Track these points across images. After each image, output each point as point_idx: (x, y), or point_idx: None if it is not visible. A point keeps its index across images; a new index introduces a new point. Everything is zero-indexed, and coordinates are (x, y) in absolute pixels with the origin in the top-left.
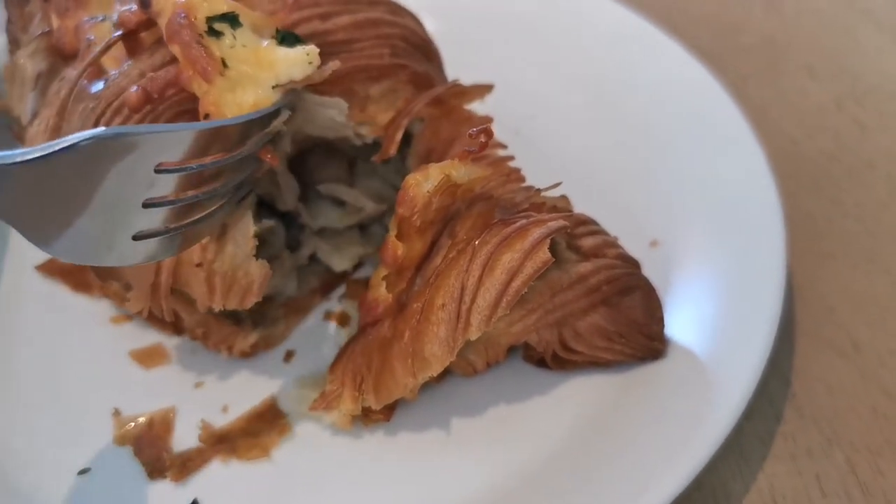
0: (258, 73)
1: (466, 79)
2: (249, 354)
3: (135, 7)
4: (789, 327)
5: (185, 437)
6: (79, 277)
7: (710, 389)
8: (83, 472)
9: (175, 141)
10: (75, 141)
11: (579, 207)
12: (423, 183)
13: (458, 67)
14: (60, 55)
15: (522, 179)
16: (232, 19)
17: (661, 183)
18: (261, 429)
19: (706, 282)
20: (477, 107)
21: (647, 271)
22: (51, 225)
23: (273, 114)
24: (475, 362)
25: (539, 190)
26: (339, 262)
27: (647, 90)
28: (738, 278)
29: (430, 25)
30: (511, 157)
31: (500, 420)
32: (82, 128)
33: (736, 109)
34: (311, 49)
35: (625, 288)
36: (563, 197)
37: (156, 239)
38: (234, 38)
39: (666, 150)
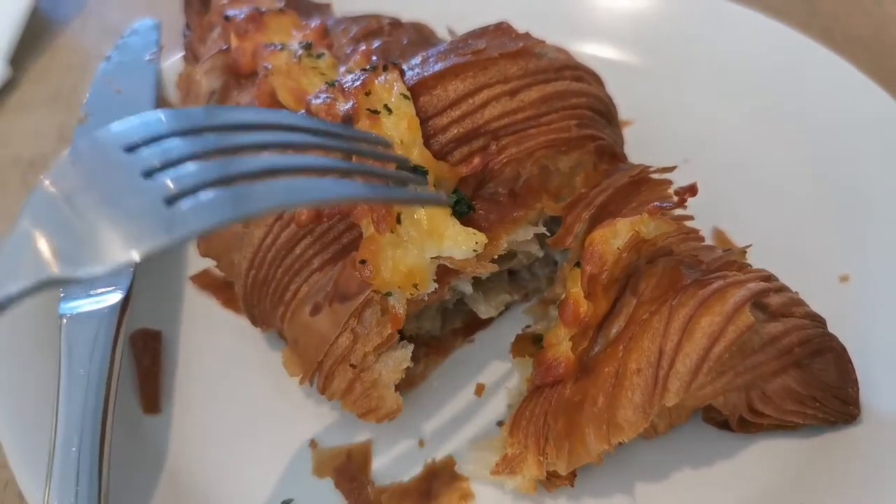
0: (424, 240)
1: (636, 106)
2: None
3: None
4: None
5: (383, 470)
6: (228, 294)
7: None
8: (287, 502)
9: None
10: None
11: (756, 240)
12: (612, 239)
13: (627, 90)
14: (235, 74)
15: (702, 238)
16: (420, 174)
17: (848, 214)
18: (440, 490)
19: None
20: (647, 136)
21: (838, 308)
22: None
23: None
24: (658, 424)
25: (730, 250)
26: (486, 310)
27: (826, 116)
28: None
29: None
30: (690, 217)
31: (684, 484)
32: None
33: None
34: (481, 237)
35: (817, 349)
36: (743, 250)
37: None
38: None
39: (852, 179)
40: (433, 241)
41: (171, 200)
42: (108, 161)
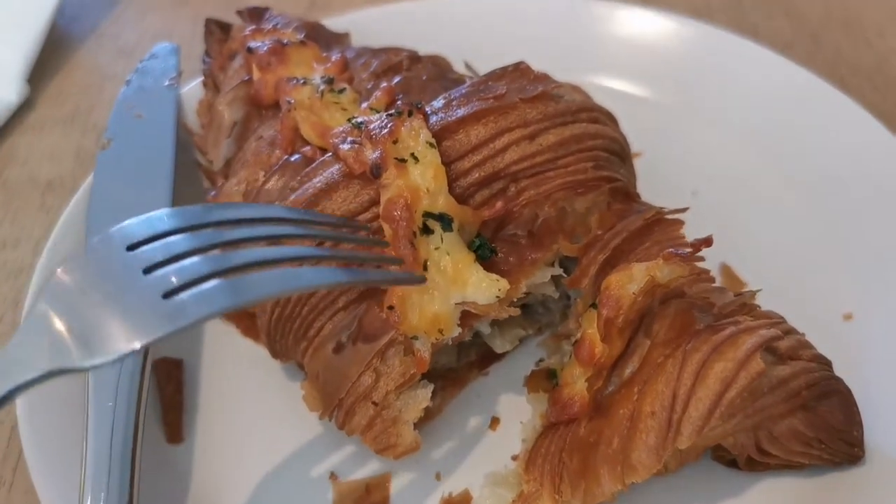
0: (449, 287)
1: (644, 138)
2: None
3: (364, 149)
4: None
5: (401, 503)
6: (248, 322)
7: None
8: None
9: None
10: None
11: (761, 276)
12: (628, 284)
13: (637, 122)
14: (257, 105)
15: (713, 280)
16: (445, 221)
17: (853, 252)
18: None
19: None
20: (655, 168)
21: (842, 346)
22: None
23: None
24: (668, 463)
25: (741, 294)
26: (501, 345)
27: (831, 156)
28: None
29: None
30: (701, 258)
31: None
32: None
33: None
34: (503, 284)
35: (824, 392)
36: (753, 294)
37: (202, 290)
38: (442, 240)
39: (856, 217)
40: (458, 287)
41: (169, 294)
42: (113, 258)
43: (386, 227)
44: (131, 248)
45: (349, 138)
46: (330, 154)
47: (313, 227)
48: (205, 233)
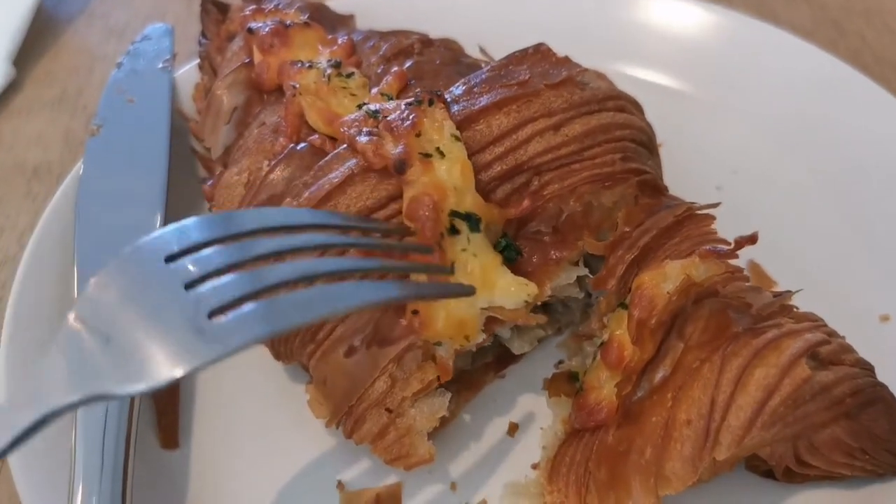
0: (476, 291)
1: (667, 128)
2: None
3: (385, 146)
4: None
5: None
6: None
7: None
8: None
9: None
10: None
11: (792, 275)
12: (662, 283)
13: (659, 112)
14: (258, 90)
15: (747, 279)
16: (473, 221)
17: (886, 248)
18: None
19: None
20: (678, 160)
21: (881, 350)
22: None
23: None
24: (702, 473)
25: (780, 295)
26: (519, 346)
27: (862, 147)
28: None
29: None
30: (735, 256)
31: None
32: None
33: None
34: (532, 288)
35: (868, 399)
36: (790, 294)
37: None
38: (469, 242)
39: (889, 212)
40: (485, 291)
41: (214, 313)
42: (151, 271)
43: (412, 227)
44: (169, 259)
45: (364, 128)
46: (345, 146)
47: (353, 234)
48: (243, 244)
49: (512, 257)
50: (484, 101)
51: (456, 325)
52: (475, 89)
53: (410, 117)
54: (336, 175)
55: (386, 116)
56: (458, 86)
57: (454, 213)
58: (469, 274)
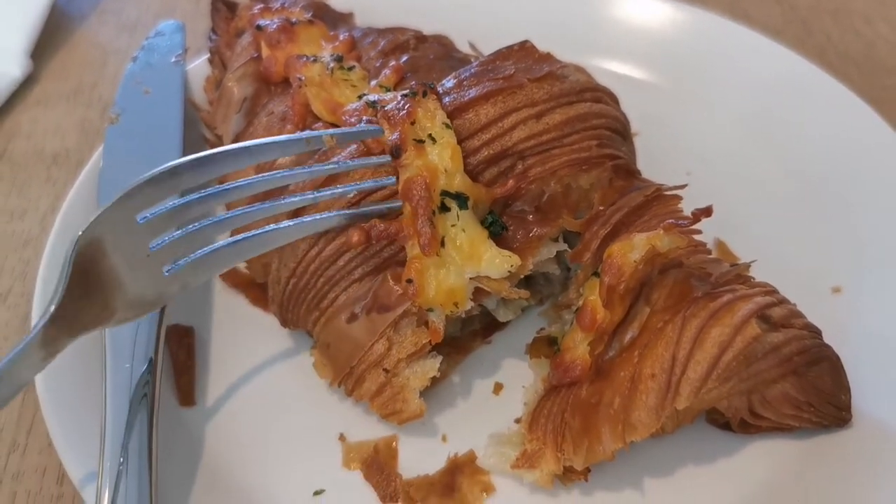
0: (464, 262)
1: (642, 119)
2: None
3: (382, 133)
4: None
5: (408, 464)
6: (256, 292)
7: None
8: (318, 492)
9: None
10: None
11: (754, 251)
12: (629, 253)
13: (635, 104)
14: (266, 82)
15: (709, 252)
16: (461, 200)
17: (841, 228)
18: (462, 483)
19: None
20: (652, 148)
21: (831, 318)
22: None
23: None
24: (666, 425)
25: (736, 265)
26: (504, 314)
27: (821, 136)
28: None
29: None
30: (698, 231)
31: (688, 479)
32: None
33: None
34: (515, 259)
35: (814, 358)
36: (748, 265)
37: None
38: (458, 218)
39: (844, 196)
40: (473, 263)
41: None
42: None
43: (405, 207)
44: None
45: (364, 117)
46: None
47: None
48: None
49: (497, 232)
50: (473, 93)
51: (446, 294)
52: (465, 82)
53: (406, 107)
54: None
55: (384, 106)
56: (450, 79)
57: (445, 193)
58: (458, 247)
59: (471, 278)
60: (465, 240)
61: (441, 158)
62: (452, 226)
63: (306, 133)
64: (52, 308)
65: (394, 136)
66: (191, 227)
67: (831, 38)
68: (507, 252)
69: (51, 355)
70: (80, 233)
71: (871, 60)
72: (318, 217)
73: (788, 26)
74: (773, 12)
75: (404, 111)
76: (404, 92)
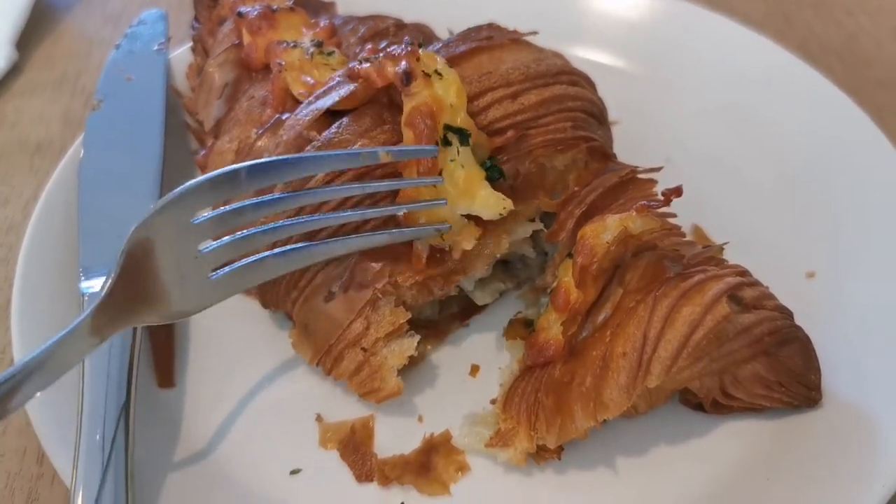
0: (458, 196)
1: (622, 107)
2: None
3: (385, 66)
4: None
5: (385, 443)
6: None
7: (872, 442)
8: (295, 471)
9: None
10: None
11: (730, 237)
12: (602, 234)
13: (615, 92)
14: (247, 68)
15: (683, 235)
16: (463, 136)
17: (816, 216)
18: (438, 462)
19: (866, 317)
20: (632, 136)
21: (804, 302)
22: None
23: None
24: (638, 405)
25: (709, 247)
26: (482, 297)
27: (797, 124)
28: None
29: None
30: (673, 215)
31: (661, 459)
32: None
33: (887, 141)
34: (508, 203)
35: (784, 339)
36: (721, 247)
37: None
38: (458, 153)
39: (820, 183)
40: (467, 199)
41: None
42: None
43: (408, 133)
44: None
45: (365, 63)
46: (339, 73)
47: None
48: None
49: (494, 177)
50: (463, 48)
51: (439, 222)
52: (450, 46)
53: (408, 48)
54: (332, 98)
55: (388, 49)
56: (435, 45)
57: (448, 127)
58: (455, 182)
59: (462, 214)
60: (463, 176)
61: (447, 93)
62: (452, 160)
63: (362, 149)
64: (104, 294)
65: (402, 65)
66: (243, 233)
67: (813, 29)
68: (501, 195)
69: (99, 342)
70: (136, 226)
71: (852, 52)
72: (366, 236)
73: (770, 18)
74: (755, 3)
75: (408, 50)
76: (398, 47)
